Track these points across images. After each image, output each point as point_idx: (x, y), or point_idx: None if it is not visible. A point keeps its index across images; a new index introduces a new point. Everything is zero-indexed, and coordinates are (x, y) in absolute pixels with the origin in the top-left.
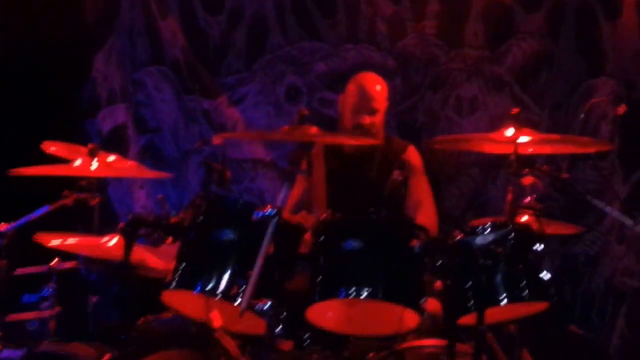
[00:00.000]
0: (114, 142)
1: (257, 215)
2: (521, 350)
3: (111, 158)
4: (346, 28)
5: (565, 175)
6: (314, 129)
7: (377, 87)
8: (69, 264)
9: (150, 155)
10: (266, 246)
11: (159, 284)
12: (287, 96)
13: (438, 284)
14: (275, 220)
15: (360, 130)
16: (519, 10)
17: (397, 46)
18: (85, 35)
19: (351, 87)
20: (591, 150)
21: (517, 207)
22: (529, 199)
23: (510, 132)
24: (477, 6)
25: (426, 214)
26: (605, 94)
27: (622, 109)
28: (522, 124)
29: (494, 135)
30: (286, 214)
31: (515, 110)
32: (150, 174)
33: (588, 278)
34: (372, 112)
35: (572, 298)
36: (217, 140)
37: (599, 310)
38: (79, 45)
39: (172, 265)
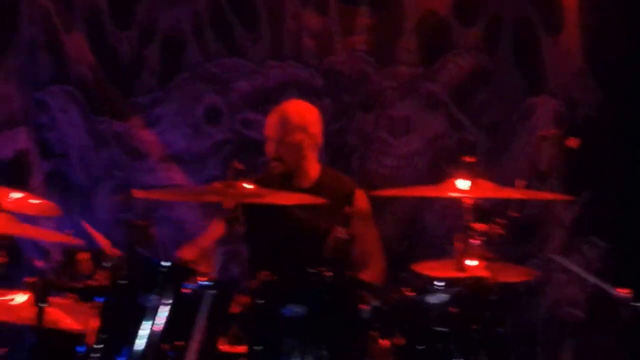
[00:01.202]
0: (14, 170)
1: (189, 287)
2: None
3: (15, 195)
4: (270, 43)
5: (514, 214)
6: (249, 185)
7: (293, 118)
8: None
9: (56, 183)
10: (201, 322)
11: (76, 337)
12: (206, 117)
13: (385, 342)
14: (211, 293)
15: (273, 159)
16: (455, 24)
17: (325, 63)
18: None
19: (272, 117)
20: (550, 197)
21: (467, 256)
22: (477, 242)
23: (463, 184)
24: (411, 19)
25: (374, 268)
26: (546, 113)
27: (573, 142)
28: (475, 173)
29: (445, 187)
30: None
31: (468, 159)
32: (57, 237)
33: (531, 309)
34: (285, 141)
35: (514, 331)
36: (138, 194)
37: (543, 343)
38: None
39: (89, 323)
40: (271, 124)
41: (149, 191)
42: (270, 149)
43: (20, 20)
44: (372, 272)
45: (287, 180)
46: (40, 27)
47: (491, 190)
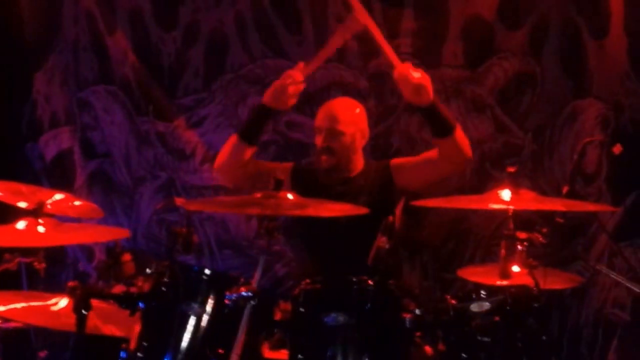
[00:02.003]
0: (59, 169)
1: (230, 297)
2: None
3: (58, 197)
4: (314, 45)
5: (560, 220)
6: (291, 196)
7: (342, 110)
8: (14, 324)
9: (99, 183)
10: (242, 332)
11: (118, 343)
12: None
13: (428, 349)
14: (251, 304)
15: (323, 152)
16: (500, 28)
17: (369, 65)
18: (24, 53)
19: (324, 109)
20: (593, 209)
21: (512, 262)
22: (521, 247)
23: (506, 194)
24: (456, 23)
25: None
26: (592, 116)
27: (617, 149)
28: (518, 183)
29: (487, 198)
30: None
31: (511, 169)
32: (107, 234)
33: (576, 311)
34: (335, 134)
35: (560, 332)
36: (180, 202)
37: (589, 345)
38: (17, 64)
39: (131, 329)
40: (323, 115)
41: (190, 201)
42: (320, 139)
43: (64, 21)
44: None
45: (332, 176)
46: (83, 28)
47: (533, 201)
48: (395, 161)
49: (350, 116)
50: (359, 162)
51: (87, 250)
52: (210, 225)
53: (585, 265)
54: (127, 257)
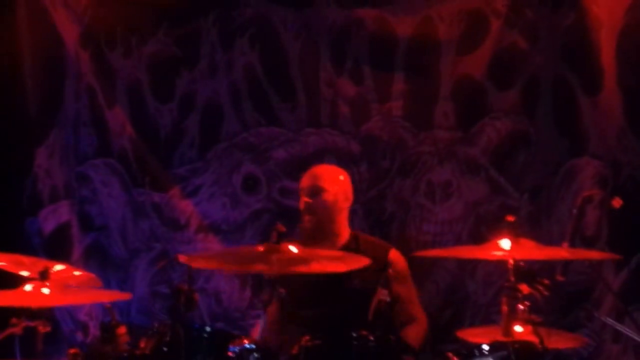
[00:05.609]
0: (56, 243)
1: (234, 349)
2: None
3: (58, 267)
4: (306, 111)
5: (560, 278)
6: (294, 247)
7: (325, 171)
8: None
9: (95, 256)
10: None
11: None
12: (244, 186)
13: None
14: (254, 356)
15: (306, 211)
16: (490, 88)
17: (361, 129)
18: (27, 129)
19: (309, 172)
20: (597, 257)
21: (514, 321)
22: (522, 307)
23: (506, 244)
24: (446, 84)
25: (414, 328)
26: (590, 175)
27: (617, 202)
28: (518, 233)
29: (488, 248)
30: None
31: (510, 218)
32: (108, 296)
33: None
34: (317, 191)
35: None
36: (182, 259)
37: None
38: (20, 139)
39: None
40: (306, 177)
41: (193, 257)
42: (303, 199)
43: (66, 97)
44: (412, 332)
45: (316, 241)
46: (84, 104)
47: (534, 250)
48: (396, 264)
49: (332, 177)
50: (343, 229)
51: (81, 325)
52: (204, 297)
53: (590, 332)
54: (122, 329)
